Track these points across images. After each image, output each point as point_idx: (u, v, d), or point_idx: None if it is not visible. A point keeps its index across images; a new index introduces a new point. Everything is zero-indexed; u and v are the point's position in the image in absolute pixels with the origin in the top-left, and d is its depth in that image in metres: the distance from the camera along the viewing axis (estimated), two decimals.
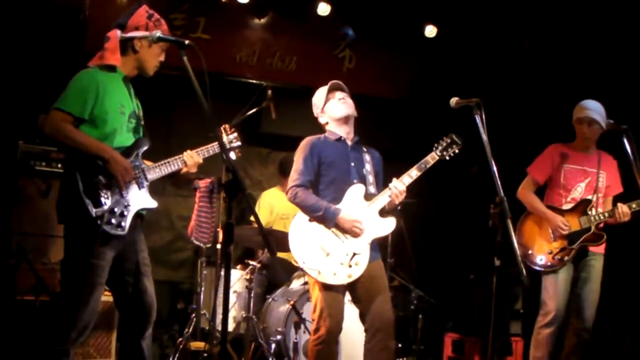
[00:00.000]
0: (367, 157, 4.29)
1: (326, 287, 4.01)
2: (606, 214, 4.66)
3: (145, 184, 3.49)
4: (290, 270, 5.71)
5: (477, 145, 3.48)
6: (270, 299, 5.42)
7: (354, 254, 4.05)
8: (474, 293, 5.99)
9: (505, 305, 5.91)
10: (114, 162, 3.31)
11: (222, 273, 3.90)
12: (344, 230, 4.06)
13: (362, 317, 4.12)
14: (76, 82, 3.34)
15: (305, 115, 6.91)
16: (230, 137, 3.92)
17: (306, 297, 5.03)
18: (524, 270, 3.53)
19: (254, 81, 6.56)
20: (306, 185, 4.11)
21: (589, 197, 4.75)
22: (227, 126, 3.96)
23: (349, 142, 4.27)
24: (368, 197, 4.15)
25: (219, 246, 5.07)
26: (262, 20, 6.54)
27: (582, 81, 5.99)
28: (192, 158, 3.66)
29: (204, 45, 6.12)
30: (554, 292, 4.66)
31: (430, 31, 6.80)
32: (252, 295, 5.12)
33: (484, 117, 3.47)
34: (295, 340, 4.86)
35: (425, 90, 6.96)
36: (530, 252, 4.77)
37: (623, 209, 4.58)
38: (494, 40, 6.85)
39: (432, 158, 4.19)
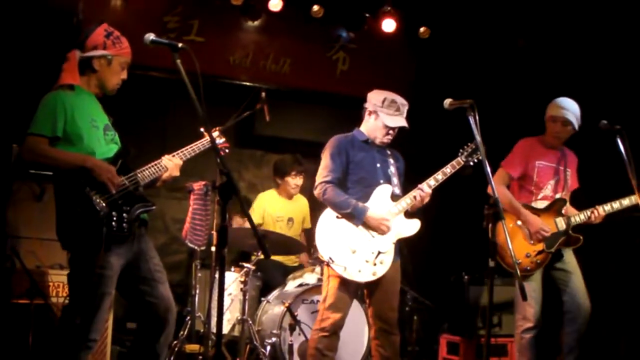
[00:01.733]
0: (391, 160, 4.36)
1: (343, 283, 4.08)
2: (582, 217, 4.64)
3: (140, 187, 3.50)
4: (285, 272, 5.71)
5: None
6: (265, 301, 5.41)
7: (379, 253, 4.11)
8: (469, 294, 5.99)
9: (500, 306, 5.91)
10: (98, 168, 3.32)
11: (217, 275, 3.91)
12: (371, 228, 4.10)
13: (372, 313, 4.25)
14: (43, 105, 3.37)
15: (299, 117, 6.98)
16: (214, 135, 3.91)
17: (301, 299, 5.03)
18: (519, 272, 3.55)
19: (248, 83, 6.55)
20: (335, 182, 4.16)
21: (559, 195, 4.73)
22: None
23: (375, 145, 4.32)
24: (394, 197, 4.21)
25: (213, 249, 5.07)
26: (256, 23, 6.54)
27: (576, 81, 5.99)
28: (170, 161, 3.66)
29: (197, 47, 6.10)
30: (530, 295, 4.49)
31: (424, 32, 6.80)
32: (246, 297, 5.11)
33: (477, 118, 3.48)
34: (290, 342, 4.86)
35: (419, 92, 6.95)
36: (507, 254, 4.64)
37: (600, 212, 4.59)
38: (488, 41, 6.85)
39: (457, 163, 4.26)
